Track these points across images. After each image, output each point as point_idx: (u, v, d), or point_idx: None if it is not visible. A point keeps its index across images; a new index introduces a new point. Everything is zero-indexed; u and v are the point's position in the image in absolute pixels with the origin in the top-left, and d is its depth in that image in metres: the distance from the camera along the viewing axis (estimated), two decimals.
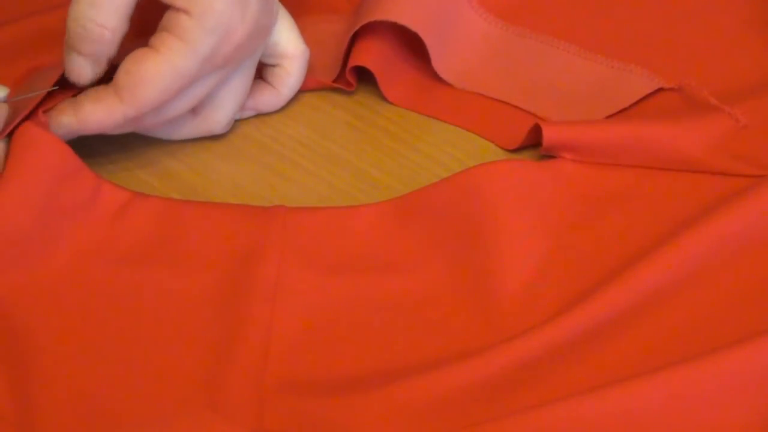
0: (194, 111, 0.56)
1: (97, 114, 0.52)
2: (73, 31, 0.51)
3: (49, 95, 0.52)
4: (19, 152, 0.50)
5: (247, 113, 0.59)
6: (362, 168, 0.57)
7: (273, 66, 0.58)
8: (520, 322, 0.50)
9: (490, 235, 0.52)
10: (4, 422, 0.46)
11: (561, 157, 0.55)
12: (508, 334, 0.49)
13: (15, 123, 0.51)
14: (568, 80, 0.60)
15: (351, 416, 0.47)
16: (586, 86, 0.59)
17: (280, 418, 0.47)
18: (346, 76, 0.59)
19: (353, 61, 0.59)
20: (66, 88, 0.53)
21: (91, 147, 0.54)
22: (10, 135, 0.51)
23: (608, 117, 0.58)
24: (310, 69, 0.59)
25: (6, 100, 0.51)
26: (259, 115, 0.59)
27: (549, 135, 0.55)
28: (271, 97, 0.59)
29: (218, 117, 0.56)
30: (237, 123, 0.58)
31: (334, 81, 0.60)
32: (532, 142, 0.57)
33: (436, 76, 0.60)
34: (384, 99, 0.60)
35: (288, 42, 0.57)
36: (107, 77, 0.52)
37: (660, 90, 0.59)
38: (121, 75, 0.51)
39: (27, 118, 0.51)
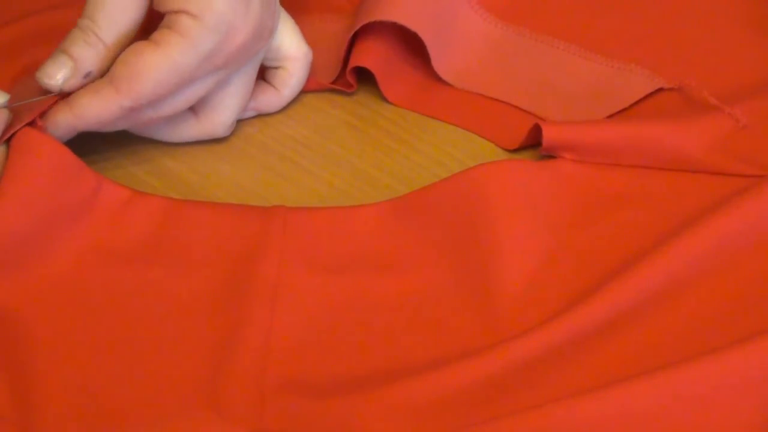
0: (196, 113, 0.56)
1: (93, 106, 0.51)
2: (70, 34, 0.51)
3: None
4: (17, 155, 0.50)
5: (248, 114, 0.59)
6: (362, 168, 0.57)
7: (275, 68, 0.58)
8: (520, 322, 0.50)
9: (490, 234, 0.52)
10: (4, 422, 0.46)
11: (561, 157, 0.55)
12: (508, 334, 0.49)
13: (15, 129, 0.51)
14: (568, 80, 0.60)
15: (351, 416, 0.47)
16: (586, 86, 0.59)
17: (280, 418, 0.47)
18: (346, 76, 0.59)
19: (353, 62, 0.59)
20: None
21: (91, 147, 0.54)
22: (9, 140, 0.51)
23: (608, 117, 0.58)
24: (311, 70, 0.59)
25: (6, 106, 0.51)
26: (260, 116, 0.59)
27: (549, 135, 0.55)
28: (272, 98, 0.59)
29: (220, 119, 0.56)
30: (237, 123, 0.58)
31: (335, 81, 0.60)
32: (532, 142, 0.57)
33: (436, 76, 0.60)
34: (384, 99, 0.60)
35: (291, 44, 0.57)
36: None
37: (660, 90, 0.59)
38: (118, 66, 0.51)
39: (28, 124, 0.51)
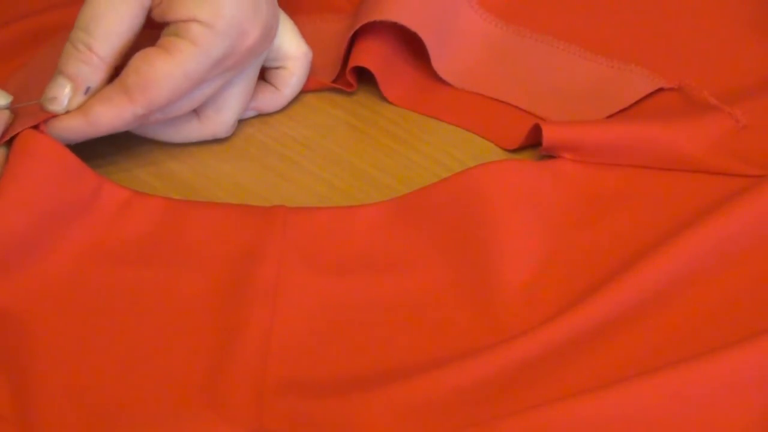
0: (198, 114, 0.56)
1: (107, 115, 0.51)
2: (65, 51, 0.51)
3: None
4: (18, 156, 0.50)
5: (249, 113, 0.59)
6: (362, 168, 0.57)
7: (276, 68, 0.58)
8: (520, 322, 0.50)
9: (491, 235, 0.52)
10: (4, 422, 0.46)
11: (561, 157, 0.55)
12: (508, 334, 0.49)
13: (16, 131, 0.51)
14: (568, 80, 0.60)
15: (351, 416, 0.47)
16: (586, 86, 0.59)
17: (280, 418, 0.47)
18: (346, 76, 0.59)
19: (353, 62, 0.59)
20: None
21: (91, 148, 0.54)
22: (10, 141, 0.51)
23: (608, 117, 0.58)
24: (311, 69, 0.59)
25: (8, 107, 0.51)
26: (260, 116, 0.59)
27: (549, 135, 0.55)
28: (273, 98, 0.59)
29: (223, 119, 0.56)
30: (238, 123, 0.58)
31: (335, 81, 0.60)
32: (532, 142, 0.57)
33: (436, 76, 0.60)
34: (384, 99, 0.60)
35: (291, 44, 0.57)
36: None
37: (660, 90, 0.59)
38: (130, 75, 0.51)
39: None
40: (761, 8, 0.63)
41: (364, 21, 0.58)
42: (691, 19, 0.63)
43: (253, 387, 0.48)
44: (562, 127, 0.55)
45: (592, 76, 0.60)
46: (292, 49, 0.58)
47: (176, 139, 0.57)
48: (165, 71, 0.51)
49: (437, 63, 0.60)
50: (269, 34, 0.54)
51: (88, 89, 0.51)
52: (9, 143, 0.51)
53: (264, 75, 0.59)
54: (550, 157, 0.56)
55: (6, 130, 0.51)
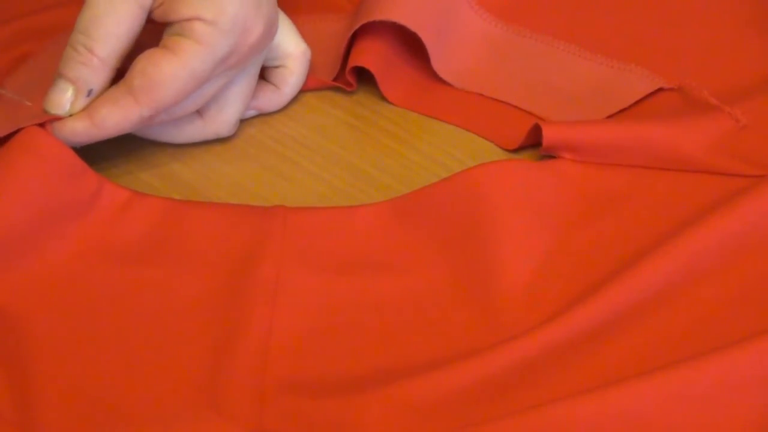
0: (201, 114, 0.56)
1: (114, 117, 0.51)
2: (65, 55, 0.51)
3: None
4: (18, 154, 0.50)
5: (250, 113, 0.59)
6: (362, 168, 0.57)
7: (276, 67, 0.58)
8: (520, 322, 0.50)
9: (490, 235, 0.52)
10: (4, 422, 0.46)
11: (561, 157, 0.55)
12: (508, 334, 0.49)
13: (19, 126, 0.51)
14: (568, 80, 0.60)
15: (351, 416, 0.47)
16: (586, 86, 0.59)
17: (280, 418, 0.47)
18: (345, 76, 0.59)
19: (353, 62, 0.59)
20: None
21: (93, 149, 0.54)
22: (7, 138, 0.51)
23: (608, 117, 0.58)
24: (311, 69, 0.59)
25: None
26: (260, 116, 0.59)
27: (549, 135, 0.55)
28: (273, 97, 0.59)
29: (225, 119, 0.56)
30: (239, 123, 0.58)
31: (334, 80, 0.60)
32: (532, 142, 0.57)
33: (436, 76, 0.60)
34: (384, 99, 0.60)
35: (289, 42, 0.58)
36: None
37: (660, 90, 0.59)
38: (136, 77, 0.51)
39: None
40: (761, 8, 0.63)
41: (364, 21, 0.58)
42: (690, 19, 0.63)
43: (253, 387, 0.48)
44: (562, 127, 0.55)
45: (591, 76, 0.60)
46: (291, 47, 0.58)
47: (179, 140, 0.57)
48: (171, 72, 0.51)
49: (437, 63, 0.60)
50: (271, 30, 0.54)
51: (90, 92, 0.51)
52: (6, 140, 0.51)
53: (264, 74, 0.59)
54: (550, 157, 0.56)
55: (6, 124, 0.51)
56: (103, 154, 0.56)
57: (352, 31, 0.59)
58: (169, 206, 0.54)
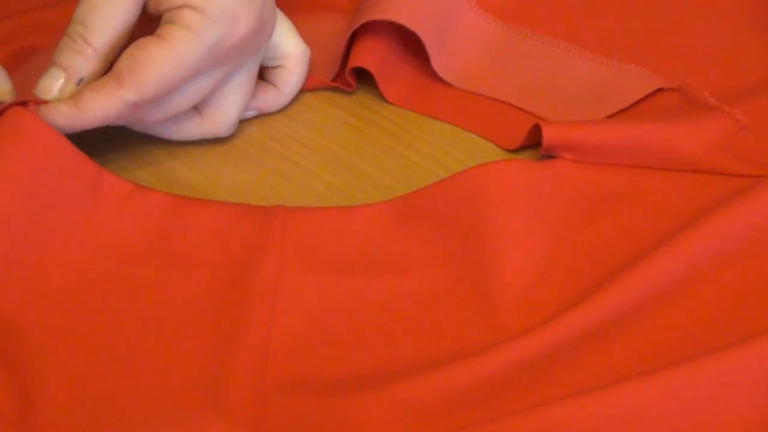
0: (200, 112, 0.56)
1: (97, 100, 0.51)
2: (61, 43, 0.52)
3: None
4: (8, 143, 0.50)
5: (250, 113, 0.59)
6: (362, 168, 0.57)
7: (275, 67, 0.58)
8: (520, 322, 0.50)
9: (490, 235, 0.52)
10: (4, 422, 0.46)
11: (561, 157, 0.55)
12: (508, 334, 0.49)
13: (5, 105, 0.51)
14: (568, 80, 0.60)
15: (351, 416, 0.47)
16: (586, 86, 0.59)
17: (280, 418, 0.47)
18: (345, 76, 0.59)
19: (353, 62, 0.59)
20: None
21: (91, 148, 0.54)
22: None
23: (608, 117, 0.58)
24: (310, 69, 0.59)
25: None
26: (260, 116, 0.59)
27: (549, 135, 0.55)
28: (273, 97, 0.59)
29: (224, 118, 0.56)
30: (238, 123, 0.58)
31: (334, 80, 0.60)
32: (532, 142, 0.57)
33: (435, 76, 0.60)
34: (384, 99, 0.60)
35: (289, 42, 0.58)
36: None
37: (660, 90, 0.59)
38: (123, 60, 0.51)
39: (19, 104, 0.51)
40: (761, 8, 0.63)
41: (364, 20, 0.58)
42: (690, 19, 0.63)
43: (253, 387, 0.48)
44: (562, 127, 0.55)
45: (591, 76, 0.60)
46: (290, 47, 0.58)
47: (179, 137, 0.57)
48: (157, 56, 0.51)
49: (437, 63, 0.60)
50: (264, 27, 0.54)
51: (80, 81, 0.51)
52: None
53: (263, 74, 0.59)
54: (550, 157, 0.56)
55: None
56: (103, 152, 0.56)
57: (352, 31, 0.59)
58: (171, 202, 0.53)
